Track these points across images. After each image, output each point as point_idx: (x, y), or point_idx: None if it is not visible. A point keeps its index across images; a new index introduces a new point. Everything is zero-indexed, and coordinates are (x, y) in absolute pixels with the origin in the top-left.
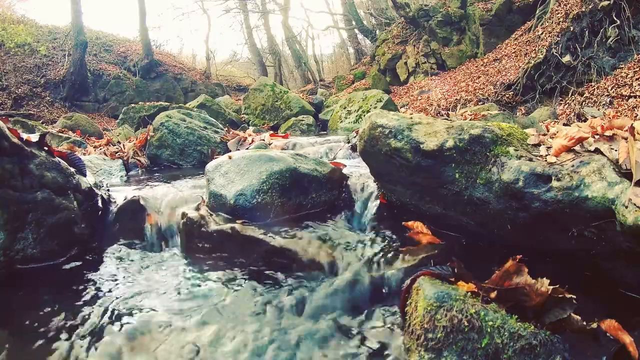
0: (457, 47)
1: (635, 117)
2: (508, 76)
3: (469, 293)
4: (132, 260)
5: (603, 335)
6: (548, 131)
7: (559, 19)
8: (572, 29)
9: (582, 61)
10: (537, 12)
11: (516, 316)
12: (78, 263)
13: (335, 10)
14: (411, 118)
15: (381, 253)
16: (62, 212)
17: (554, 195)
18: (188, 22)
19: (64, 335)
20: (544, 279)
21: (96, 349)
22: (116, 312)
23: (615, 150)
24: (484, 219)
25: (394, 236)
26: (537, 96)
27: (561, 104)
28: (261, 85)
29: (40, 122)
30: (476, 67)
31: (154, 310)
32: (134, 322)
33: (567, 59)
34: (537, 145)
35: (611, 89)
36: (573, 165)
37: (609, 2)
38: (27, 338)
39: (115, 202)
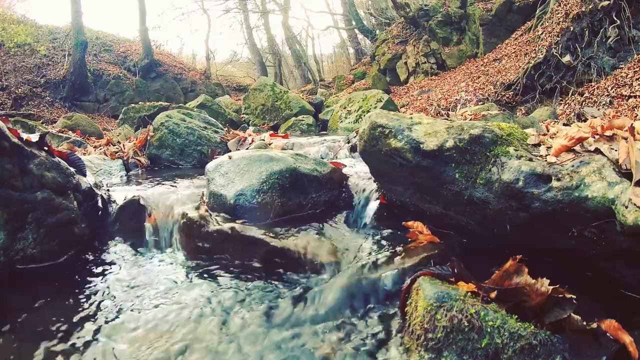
0: (457, 47)
1: (635, 117)
2: (508, 76)
3: (469, 293)
4: (132, 260)
5: (603, 335)
6: (548, 131)
7: (559, 19)
8: (572, 29)
9: (582, 61)
10: (537, 12)
11: (516, 316)
12: (78, 263)
13: (335, 10)
14: (411, 118)
15: (381, 253)
16: (62, 212)
17: (554, 195)
18: (188, 22)
19: (63, 335)
20: (544, 279)
21: (96, 349)
22: (116, 312)
23: (615, 150)
24: (484, 219)
25: (394, 236)
26: (537, 96)
27: (561, 104)
28: (261, 85)
29: (40, 122)
30: (476, 67)
31: (153, 310)
32: (133, 322)
33: (567, 59)
34: (537, 145)
35: (611, 89)
36: (573, 165)
37: (609, 2)
38: (27, 338)
39: (115, 202)
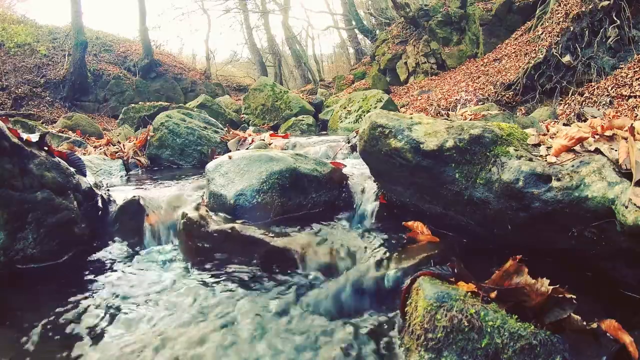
0: (457, 47)
1: (635, 117)
2: (508, 76)
3: (469, 293)
4: (131, 261)
5: (603, 335)
6: (548, 131)
7: (559, 19)
8: (572, 29)
9: (582, 61)
10: (537, 12)
11: (516, 316)
12: (78, 263)
13: (335, 10)
14: (411, 118)
15: (381, 253)
16: (62, 212)
17: (554, 195)
18: (188, 22)
19: (63, 335)
20: (544, 279)
21: (95, 349)
22: (115, 312)
23: (615, 150)
24: (484, 219)
25: (394, 236)
26: (537, 96)
27: (561, 104)
28: (261, 85)
29: (40, 122)
30: (476, 67)
31: (153, 310)
32: (133, 322)
33: (567, 59)
34: (537, 145)
35: (611, 89)
36: (573, 165)
37: (609, 2)
38: (27, 338)
39: (115, 202)
